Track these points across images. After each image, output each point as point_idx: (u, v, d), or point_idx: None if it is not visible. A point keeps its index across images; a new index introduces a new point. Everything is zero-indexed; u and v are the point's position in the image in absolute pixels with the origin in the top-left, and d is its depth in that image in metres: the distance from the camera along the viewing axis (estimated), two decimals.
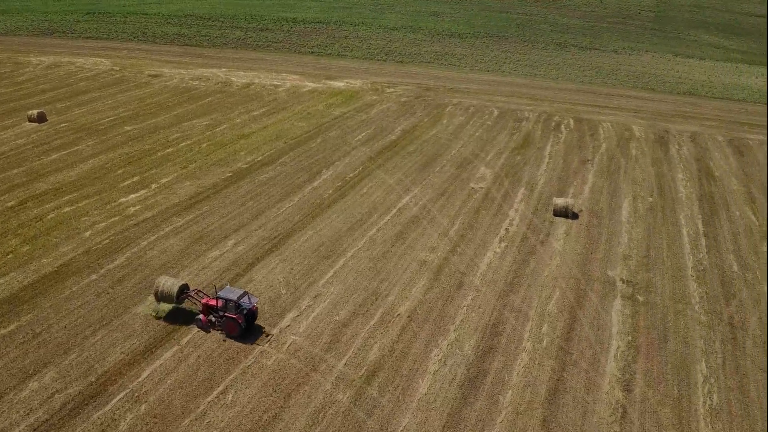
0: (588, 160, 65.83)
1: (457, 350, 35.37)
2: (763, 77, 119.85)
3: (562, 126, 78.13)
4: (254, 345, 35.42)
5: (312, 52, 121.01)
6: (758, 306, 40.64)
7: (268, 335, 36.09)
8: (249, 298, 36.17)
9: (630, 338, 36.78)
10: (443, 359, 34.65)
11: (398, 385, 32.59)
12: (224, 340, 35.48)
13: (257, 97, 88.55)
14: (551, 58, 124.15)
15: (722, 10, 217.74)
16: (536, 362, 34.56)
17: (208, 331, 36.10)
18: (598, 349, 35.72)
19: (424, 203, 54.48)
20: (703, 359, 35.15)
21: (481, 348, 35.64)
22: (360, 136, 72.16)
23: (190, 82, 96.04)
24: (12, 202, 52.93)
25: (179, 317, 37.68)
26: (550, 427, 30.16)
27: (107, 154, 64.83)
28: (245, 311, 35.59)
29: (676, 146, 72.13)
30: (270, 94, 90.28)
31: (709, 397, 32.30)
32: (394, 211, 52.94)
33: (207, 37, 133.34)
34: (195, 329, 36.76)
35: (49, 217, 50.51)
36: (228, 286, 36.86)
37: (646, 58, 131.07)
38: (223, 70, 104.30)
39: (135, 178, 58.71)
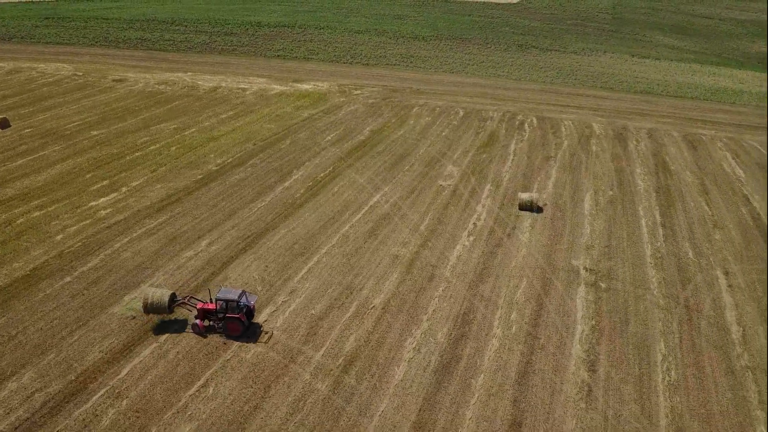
0: (551, 157, 68.09)
1: (431, 338, 36.71)
2: (714, 76, 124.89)
3: (526, 125, 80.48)
4: (232, 340, 36.11)
5: (278, 56, 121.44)
6: (712, 289, 43.07)
7: (267, 332, 36.68)
8: (247, 297, 36.64)
9: (593, 322, 38.67)
10: (417, 347, 35.93)
11: (375, 373, 33.73)
12: (224, 343, 35.77)
13: (225, 100, 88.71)
14: (513, 59, 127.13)
15: (676, 12, 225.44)
16: (506, 347, 36.12)
17: (205, 336, 36.31)
18: (564, 333, 37.48)
19: (394, 201, 55.80)
20: (662, 339, 37.23)
21: (453, 336, 37.05)
22: (329, 137, 73.14)
23: (156, 86, 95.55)
24: None
25: (156, 317, 38.07)
26: (520, 406, 31.69)
27: (74, 158, 64.37)
28: (245, 309, 36.12)
29: (634, 142, 75.07)
30: (237, 97, 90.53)
31: (668, 374, 34.30)
32: (366, 208, 54.11)
33: (171, 42, 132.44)
34: (173, 327, 37.25)
35: (18, 221, 50.16)
36: (223, 288, 37.07)
37: (605, 58, 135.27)
38: (189, 74, 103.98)
39: (104, 182, 58.54)
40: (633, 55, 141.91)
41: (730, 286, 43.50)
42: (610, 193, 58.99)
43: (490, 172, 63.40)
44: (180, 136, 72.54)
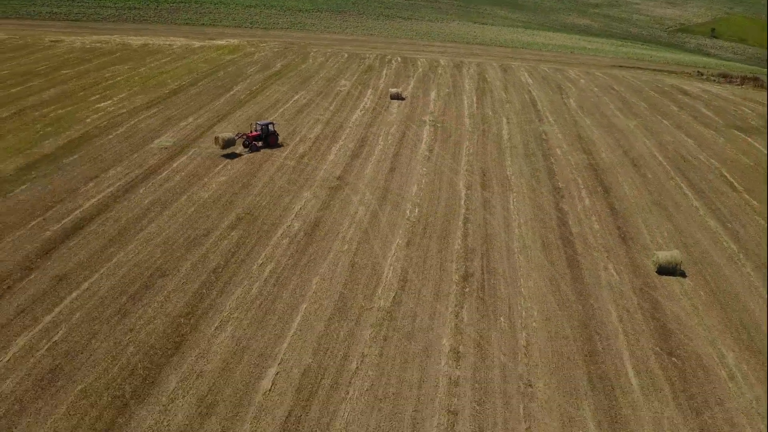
0: (410, 76, 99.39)
1: (345, 147, 65.77)
2: (531, 36, 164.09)
3: (393, 61, 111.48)
4: (271, 149, 62.83)
5: (186, 23, 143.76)
6: (498, 125, 75.88)
7: (282, 143, 63.78)
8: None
9: (432, 139, 69.68)
10: (338, 150, 64.87)
11: (318, 157, 62.19)
12: (263, 150, 61.97)
13: (158, 51, 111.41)
14: (382, 25, 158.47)
15: None
16: (386, 148, 66.06)
17: (258, 150, 62.08)
18: (416, 142, 68.12)
19: (310, 98, 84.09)
20: (467, 140, 69.04)
21: (357, 146, 66.35)
22: (252, 69, 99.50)
23: (92, 44, 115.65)
24: (14, 110, 73.79)
25: (179, 148, 63.85)
26: (393, 165, 61.55)
27: (61, 86, 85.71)
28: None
29: (467, 68, 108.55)
30: (166, 50, 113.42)
31: (468, 150, 65.87)
32: (291, 102, 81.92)
33: (81, 14, 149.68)
34: (192, 149, 63.04)
35: (50, 115, 72.45)
36: (257, 122, 63.45)
37: (453, 25, 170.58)
38: (116, 35, 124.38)
39: (97, 96, 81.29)
40: (474, 23, 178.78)
41: (508, 123, 76.69)
42: (447, 90, 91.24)
43: (370, 84, 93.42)
44: (135, 72, 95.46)
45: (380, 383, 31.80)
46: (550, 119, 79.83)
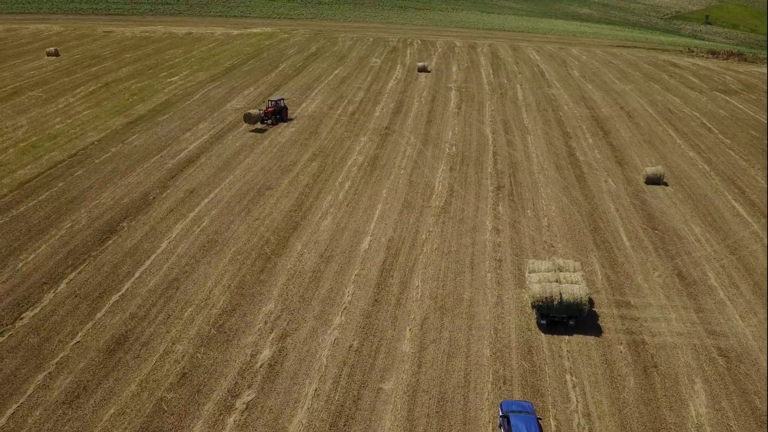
0: (432, 55, 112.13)
1: (386, 108, 78.52)
2: (507, 20, 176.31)
3: (414, 43, 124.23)
4: (284, 122, 75.59)
5: (220, 15, 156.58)
6: (513, 90, 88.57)
7: (293, 118, 76.30)
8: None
9: (459, 100, 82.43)
10: (382, 109, 77.59)
11: (365, 114, 74.90)
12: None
13: (201, 39, 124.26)
14: (397, 14, 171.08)
15: None
16: (421, 107, 78.78)
17: (275, 125, 73.94)
18: (446, 103, 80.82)
19: (348, 72, 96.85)
20: (489, 101, 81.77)
21: (397, 106, 79.05)
22: (290, 52, 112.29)
23: (141, 34, 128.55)
24: (100, 84, 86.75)
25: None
26: (430, 118, 74.38)
27: (131, 66, 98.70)
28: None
29: (480, 48, 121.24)
30: (209, 37, 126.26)
31: (490, 108, 78.53)
32: (332, 75, 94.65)
33: (120, 9, 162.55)
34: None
35: (132, 87, 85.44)
36: (269, 99, 75.64)
37: (463, 14, 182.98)
38: (159, 26, 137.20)
39: (165, 73, 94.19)
40: (482, 12, 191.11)
41: (521, 88, 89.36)
42: (466, 65, 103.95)
43: (398, 61, 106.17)
44: (190, 55, 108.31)
45: (444, 245, 44.59)
46: (557, 85, 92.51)
